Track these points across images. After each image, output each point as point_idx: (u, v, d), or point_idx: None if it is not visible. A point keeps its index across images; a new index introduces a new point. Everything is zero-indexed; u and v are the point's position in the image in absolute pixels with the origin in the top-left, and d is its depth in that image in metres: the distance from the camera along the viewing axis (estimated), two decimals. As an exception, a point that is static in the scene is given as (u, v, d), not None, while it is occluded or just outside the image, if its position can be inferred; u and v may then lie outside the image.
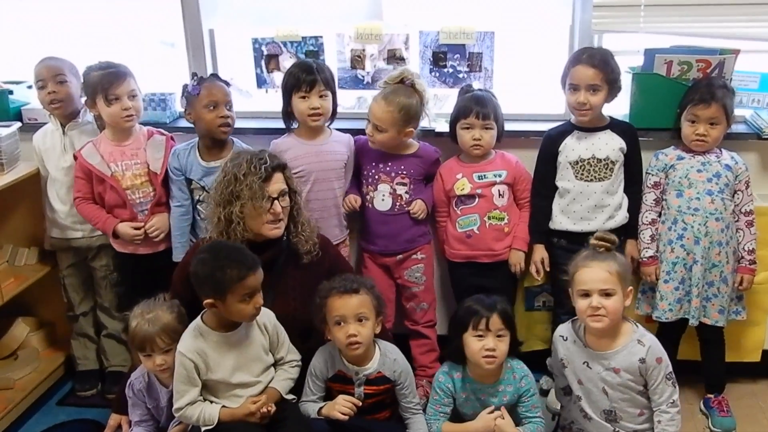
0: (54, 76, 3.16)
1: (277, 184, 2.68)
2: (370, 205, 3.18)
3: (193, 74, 3.19)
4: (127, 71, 3.08)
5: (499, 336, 2.59)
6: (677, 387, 2.56)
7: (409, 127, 3.04)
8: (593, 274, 2.50)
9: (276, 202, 2.66)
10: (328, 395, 2.73)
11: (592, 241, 2.58)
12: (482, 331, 2.59)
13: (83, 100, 3.17)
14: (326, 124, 3.15)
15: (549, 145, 3.08)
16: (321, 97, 3.03)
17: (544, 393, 3.14)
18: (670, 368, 2.55)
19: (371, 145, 3.10)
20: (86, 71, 3.08)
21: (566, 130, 3.07)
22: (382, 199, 3.15)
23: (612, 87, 2.93)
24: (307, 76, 3.01)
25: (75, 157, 3.14)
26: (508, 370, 2.69)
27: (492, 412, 2.63)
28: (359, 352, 2.62)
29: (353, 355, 2.63)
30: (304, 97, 3.02)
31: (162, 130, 3.24)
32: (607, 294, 2.48)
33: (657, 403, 2.54)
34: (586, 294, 2.50)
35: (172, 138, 3.22)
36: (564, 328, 2.69)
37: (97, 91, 3.03)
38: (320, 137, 3.13)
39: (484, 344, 2.58)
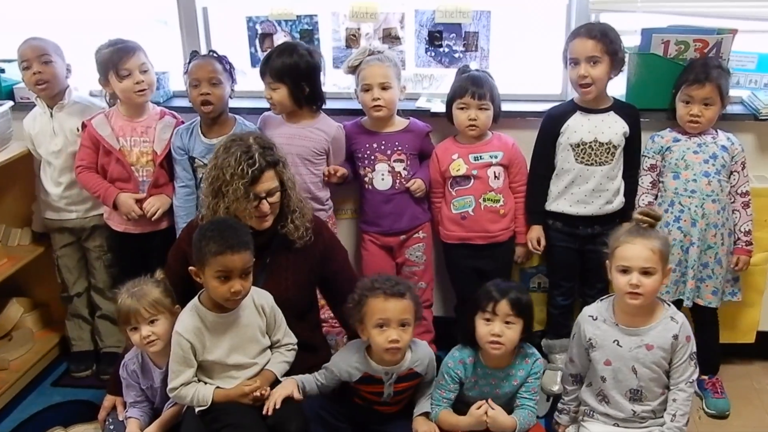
0: (39, 56, 3.13)
1: (266, 183, 2.62)
2: (369, 187, 3.16)
3: (193, 51, 3.20)
4: (136, 46, 3.07)
5: (507, 323, 2.57)
6: (697, 368, 2.57)
7: (402, 83, 3.10)
8: (636, 251, 2.46)
9: (263, 201, 2.62)
10: (355, 394, 2.72)
11: (636, 215, 2.53)
12: (489, 314, 2.57)
13: (68, 80, 3.17)
14: (317, 108, 3.12)
15: (550, 125, 3.05)
16: (272, 89, 3.01)
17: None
18: (695, 348, 2.56)
19: (378, 114, 3.04)
20: (97, 50, 3.07)
21: (569, 109, 3.04)
22: (381, 178, 3.13)
23: (613, 59, 2.90)
24: (261, 64, 3.03)
25: (84, 125, 3.13)
26: (521, 354, 2.68)
27: (479, 407, 2.61)
28: (398, 357, 2.60)
29: (391, 359, 2.59)
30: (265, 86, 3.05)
31: (174, 113, 3.23)
32: (646, 272, 2.45)
33: (676, 381, 2.54)
34: (626, 270, 2.47)
35: (183, 122, 3.21)
36: (592, 308, 2.65)
37: (108, 67, 3.03)
38: (302, 121, 3.09)
39: (491, 329, 2.57)
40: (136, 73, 3.03)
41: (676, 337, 2.52)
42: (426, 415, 2.72)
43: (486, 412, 2.58)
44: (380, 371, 2.63)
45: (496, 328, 2.56)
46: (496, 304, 2.56)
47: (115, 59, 3.02)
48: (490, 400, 2.61)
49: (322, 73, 3.09)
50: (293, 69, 2.98)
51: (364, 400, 2.71)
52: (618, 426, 2.62)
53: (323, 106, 3.14)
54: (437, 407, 2.70)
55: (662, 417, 2.58)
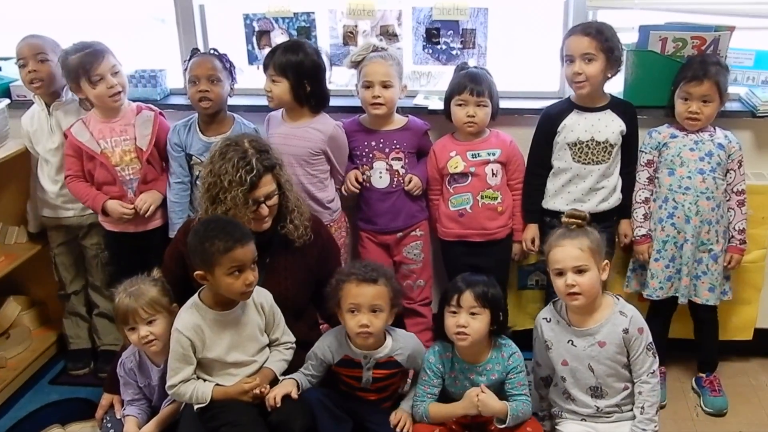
0: (35, 54, 3.12)
1: (265, 188, 2.62)
2: (367, 184, 3.16)
3: (194, 49, 3.20)
4: (104, 48, 3.03)
5: (472, 314, 2.59)
6: (657, 358, 2.60)
7: (403, 82, 3.09)
8: (565, 252, 2.54)
9: (262, 204, 2.62)
10: (334, 378, 2.75)
11: (564, 219, 2.62)
12: (455, 307, 2.60)
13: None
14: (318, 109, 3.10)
15: (547, 124, 3.05)
16: (273, 81, 2.99)
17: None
18: (651, 339, 2.60)
19: (377, 111, 3.04)
20: (63, 56, 3.03)
21: (565, 108, 3.03)
22: (379, 176, 3.13)
23: (609, 57, 2.89)
24: (267, 56, 3.01)
25: (65, 135, 3.11)
26: (496, 348, 2.69)
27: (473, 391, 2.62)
28: (368, 342, 2.62)
29: (362, 344, 2.63)
30: (266, 78, 3.03)
31: (151, 106, 3.21)
32: (580, 271, 2.52)
33: (638, 374, 2.59)
34: (561, 272, 2.54)
35: (161, 113, 3.20)
36: (546, 311, 2.72)
37: (79, 74, 2.99)
38: (300, 120, 3.07)
39: (456, 321, 2.59)
40: (108, 77, 2.99)
41: (626, 330, 2.56)
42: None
43: (477, 395, 2.58)
44: (359, 355, 2.66)
45: (461, 320, 2.59)
46: (460, 295, 2.59)
47: (86, 65, 2.97)
48: (483, 386, 2.62)
49: (327, 75, 3.08)
50: (298, 66, 2.97)
51: (345, 386, 2.74)
52: (586, 421, 2.66)
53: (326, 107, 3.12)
54: (422, 403, 2.70)
55: (629, 410, 2.63)
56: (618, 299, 2.65)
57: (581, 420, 2.67)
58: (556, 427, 2.72)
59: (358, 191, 3.14)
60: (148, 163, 3.12)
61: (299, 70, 2.97)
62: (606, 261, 2.59)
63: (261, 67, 3.07)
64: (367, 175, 3.15)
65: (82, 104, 3.16)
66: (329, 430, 2.56)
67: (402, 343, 2.71)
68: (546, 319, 2.70)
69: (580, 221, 2.58)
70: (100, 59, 2.98)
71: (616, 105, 3.02)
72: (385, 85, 3.01)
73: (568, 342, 2.63)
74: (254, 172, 2.57)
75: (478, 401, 2.58)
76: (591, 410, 2.64)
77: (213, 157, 2.63)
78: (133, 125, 3.11)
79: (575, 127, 2.99)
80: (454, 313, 2.61)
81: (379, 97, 3.01)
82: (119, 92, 3.03)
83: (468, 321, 2.58)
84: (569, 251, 2.53)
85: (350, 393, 2.74)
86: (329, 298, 2.65)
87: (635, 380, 2.60)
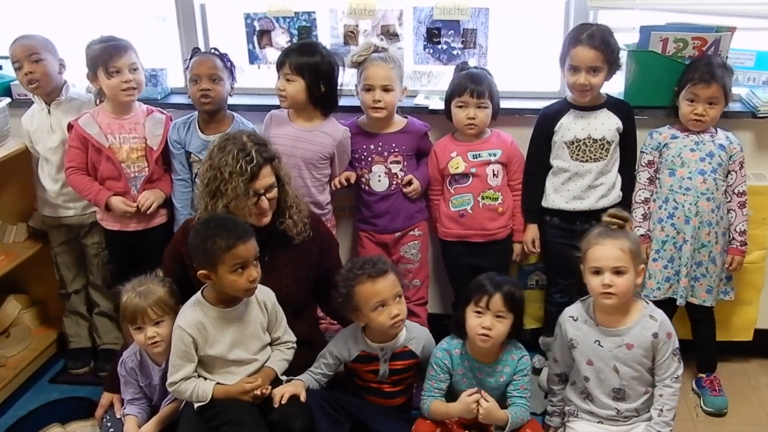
0: (28, 55, 3.11)
1: (264, 179, 2.63)
2: (366, 187, 3.16)
3: (194, 48, 3.21)
4: (128, 44, 3.06)
5: (498, 317, 2.57)
6: (682, 363, 2.58)
7: (403, 83, 3.09)
8: (606, 251, 2.50)
9: (262, 197, 2.63)
10: (346, 375, 2.78)
11: (605, 218, 2.58)
12: (482, 308, 2.58)
13: (62, 75, 3.17)
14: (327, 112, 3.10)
15: (544, 125, 3.05)
16: (287, 80, 2.98)
17: (537, 371, 3.15)
18: (677, 344, 2.58)
19: (377, 115, 3.03)
20: (88, 45, 3.06)
21: (562, 108, 3.04)
22: (378, 180, 3.13)
23: (612, 66, 2.91)
24: (282, 54, 3.01)
25: (70, 126, 3.10)
26: (508, 350, 2.68)
27: (471, 395, 2.60)
28: (401, 328, 2.66)
29: (396, 332, 2.66)
30: (279, 77, 3.02)
31: (162, 110, 3.22)
32: (618, 272, 2.49)
33: (661, 377, 2.57)
34: (598, 271, 2.51)
35: (171, 118, 3.20)
36: (573, 309, 2.68)
37: (97, 63, 3.01)
38: (310, 122, 3.07)
39: (481, 322, 2.57)
40: (125, 71, 3.01)
41: (655, 335, 2.54)
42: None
43: (478, 402, 2.57)
44: (376, 348, 2.68)
45: (487, 321, 2.57)
46: (490, 297, 2.57)
47: (105, 56, 3.00)
48: (483, 392, 2.61)
49: (339, 78, 3.07)
50: (314, 66, 2.97)
51: (362, 380, 2.76)
52: (602, 424, 2.64)
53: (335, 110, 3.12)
54: (429, 398, 2.70)
55: (646, 412, 2.61)
56: (648, 303, 2.62)
57: (598, 422, 2.65)
58: (568, 424, 2.71)
59: (344, 186, 3.14)
60: (155, 163, 3.13)
61: (315, 71, 2.97)
62: (642, 265, 2.56)
63: (273, 66, 3.07)
64: (366, 179, 3.14)
65: (96, 97, 3.17)
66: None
67: (415, 333, 2.74)
68: (572, 317, 2.66)
69: (621, 222, 2.55)
70: (122, 53, 3.01)
71: (612, 104, 3.02)
72: (386, 89, 3.00)
73: (595, 342, 2.60)
74: (254, 162, 2.59)
75: (481, 410, 2.56)
76: (611, 412, 2.62)
77: (212, 152, 2.65)
78: (142, 125, 3.12)
79: (572, 125, 3.00)
80: (480, 313, 2.59)
81: (380, 101, 3.00)
82: (133, 88, 3.05)
83: (493, 323, 2.57)
84: (610, 251, 2.49)
85: (365, 387, 2.76)
86: (343, 308, 2.66)
87: (657, 383, 2.58)
